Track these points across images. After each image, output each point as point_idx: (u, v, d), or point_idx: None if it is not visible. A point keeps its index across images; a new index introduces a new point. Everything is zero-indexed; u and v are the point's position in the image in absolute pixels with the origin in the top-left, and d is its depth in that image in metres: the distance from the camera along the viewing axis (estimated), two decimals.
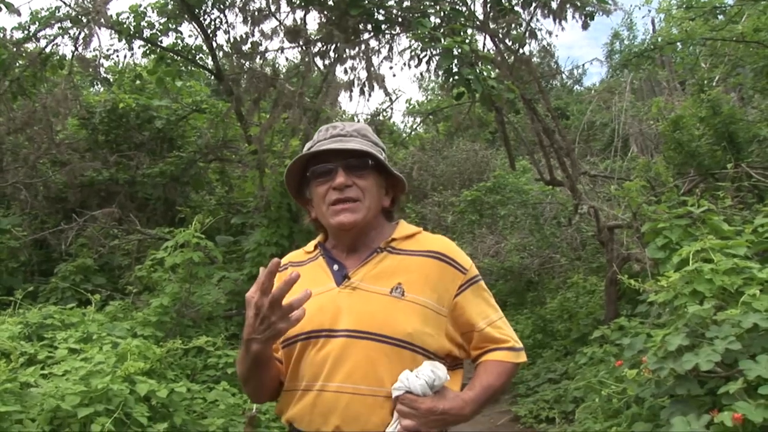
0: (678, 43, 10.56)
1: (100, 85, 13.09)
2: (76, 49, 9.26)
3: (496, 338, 2.00)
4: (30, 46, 9.51)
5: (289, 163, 2.07)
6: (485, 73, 6.86)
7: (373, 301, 1.90)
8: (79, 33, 9.00)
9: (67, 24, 9.11)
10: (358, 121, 10.15)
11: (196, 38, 10.52)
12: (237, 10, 9.44)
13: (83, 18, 8.73)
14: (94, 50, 10.61)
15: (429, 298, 1.91)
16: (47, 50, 9.45)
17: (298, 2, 8.32)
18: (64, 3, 9.24)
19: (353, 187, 1.96)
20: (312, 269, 2.06)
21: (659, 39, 10.73)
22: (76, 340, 5.37)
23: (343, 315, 1.89)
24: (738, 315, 3.62)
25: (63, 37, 9.31)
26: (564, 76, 20.24)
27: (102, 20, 8.60)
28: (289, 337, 1.94)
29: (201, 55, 10.99)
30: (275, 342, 1.85)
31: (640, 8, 27.74)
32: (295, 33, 8.47)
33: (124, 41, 10.05)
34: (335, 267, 2.01)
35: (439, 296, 1.93)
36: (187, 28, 10.40)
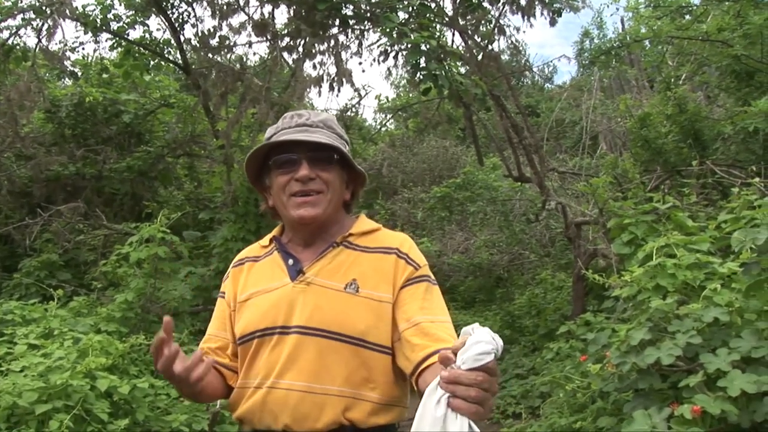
0: (646, 42, 10.66)
1: (68, 79, 12.87)
2: (40, 41, 9.11)
3: (441, 337, 1.76)
4: None
5: (253, 149, 2.02)
6: (453, 69, 6.86)
7: (327, 297, 1.86)
8: (43, 24, 8.84)
9: (31, 15, 8.94)
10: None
11: (163, 32, 10.40)
12: (205, 3, 9.35)
13: (47, 9, 8.58)
14: (59, 43, 10.46)
15: (384, 293, 1.87)
16: (10, 42, 9.27)
17: None
18: None
19: (316, 180, 1.91)
20: (268, 264, 2.02)
21: (627, 37, 10.82)
22: (37, 336, 5.28)
23: (297, 311, 1.86)
24: (699, 309, 3.65)
25: (26, 29, 9.14)
26: (535, 75, 20.32)
27: (67, 12, 8.46)
28: (244, 335, 1.92)
29: (169, 48, 10.87)
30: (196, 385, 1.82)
31: (608, 6, 27.84)
32: (262, 27, 8.40)
33: (90, 34, 9.90)
34: (290, 261, 1.96)
35: (391, 290, 1.88)
36: (154, 22, 10.32)
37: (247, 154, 2.02)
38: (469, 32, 8.17)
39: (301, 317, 1.84)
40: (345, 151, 1.96)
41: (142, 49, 10.39)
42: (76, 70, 12.14)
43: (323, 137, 1.93)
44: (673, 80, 10.39)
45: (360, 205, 13.97)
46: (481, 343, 1.35)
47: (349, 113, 10.99)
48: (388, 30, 6.87)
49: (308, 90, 9.34)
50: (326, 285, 1.88)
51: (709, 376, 3.27)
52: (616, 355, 3.78)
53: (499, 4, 7.86)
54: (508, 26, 8.33)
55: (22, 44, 9.54)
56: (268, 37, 8.64)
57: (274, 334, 1.86)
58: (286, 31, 8.42)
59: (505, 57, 9.56)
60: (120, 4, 9.74)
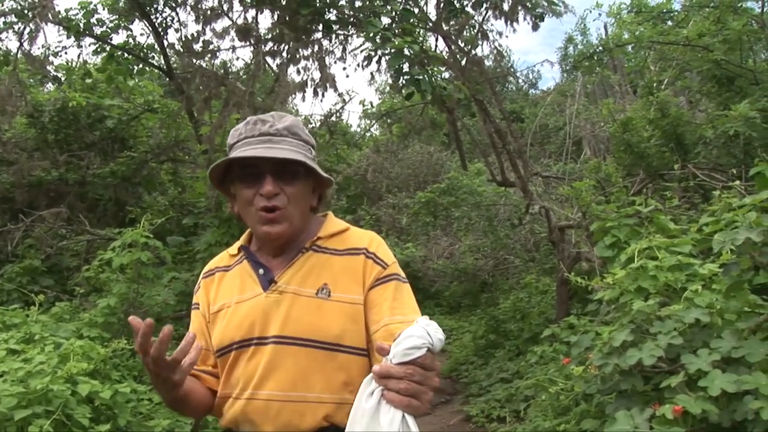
0: (629, 47, 10.74)
1: (50, 84, 12.81)
2: (22, 44, 9.05)
3: None
4: None
5: (216, 162, 1.97)
6: (436, 74, 6.88)
7: (300, 304, 1.85)
8: (25, 28, 8.79)
9: (12, 18, 8.89)
10: (303, 117, 10.10)
11: (147, 36, 10.40)
12: (189, 8, 9.36)
13: (29, 13, 8.54)
14: (41, 47, 10.42)
15: (355, 294, 1.86)
16: None
17: (250, 1, 8.26)
18: None
19: (281, 194, 1.87)
20: (238, 274, 2.00)
21: (610, 42, 10.90)
22: (17, 341, 5.23)
23: (272, 321, 1.84)
24: (681, 311, 3.67)
25: (7, 32, 9.09)
26: (519, 80, 20.44)
27: (49, 15, 8.42)
28: (222, 347, 1.91)
29: (152, 53, 10.84)
30: (182, 386, 1.75)
31: (590, 11, 28.06)
32: (246, 32, 8.41)
33: (73, 38, 9.87)
34: (260, 271, 1.94)
35: (362, 291, 1.87)
36: (138, 26, 10.26)
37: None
38: (453, 37, 8.20)
39: (276, 327, 1.83)
40: (311, 163, 1.91)
41: (125, 53, 10.35)
42: (59, 74, 12.10)
43: (288, 149, 1.88)
44: (655, 85, 10.46)
45: (344, 210, 13.98)
46: (411, 337, 1.39)
47: (333, 118, 10.98)
48: (371, 35, 6.88)
49: (292, 95, 9.34)
50: (298, 292, 1.86)
51: (690, 376, 3.28)
52: (599, 357, 3.79)
53: (482, 9, 7.89)
54: (491, 31, 8.38)
55: (3, 48, 9.50)
56: (252, 42, 8.63)
57: (250, 345, 1.86)
58: (269, 36, 8.41)
59: (488, 62, 9.58)
60: (103, 9, 9.73)
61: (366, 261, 1.91)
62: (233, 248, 2.08)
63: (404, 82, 6.81)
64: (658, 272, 4.13)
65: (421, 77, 6.56)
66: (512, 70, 13.24)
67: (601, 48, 10.60)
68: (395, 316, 1.81)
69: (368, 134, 17.29)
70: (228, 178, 1.99)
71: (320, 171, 1.95)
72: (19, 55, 9.30)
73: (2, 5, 8.90)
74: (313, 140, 2.03)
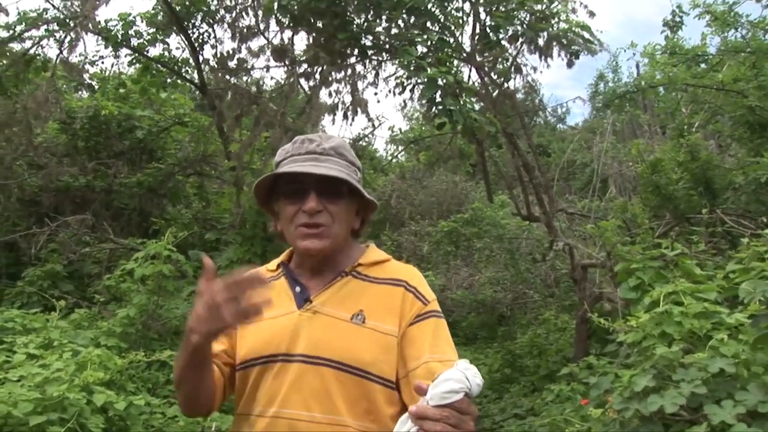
0: (660, 88, 10.71)
1: (84, 91, 12.98)
2: (61, 52, 9.20)
3: None
4: (15, 46, 9.42)
5: (262, 176, 1.98)
6: (468, 105, 6.89)
7: (333, 326, 1.83)
8: (65, 36, 8.94)
9: (54, 27, 9.05)
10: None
11: (183, 51, 10.52)
12: (226, 25, 9.49)
13: (71, 22, 8.68)
14: (79, 55, 10.57)
15: (390, 326, 1.84)
16: (32, 51, 9.37)
17: (286, 22, 8.34)
18: (53, 5, 9.21)
19: (324, 212, 1.86)
20: (275, 289, 1.95)
21: (642, 82, 10.87)
22: (36, 345, 5.25)
23: (301, 339, 1.82)
24: (705, 359, 3.62)
25: (49, 40, 9.25)
26: (547, 114, 20.40)
27: (90, 25, 8.57)
28: (245, 361, 1.88)
29: (187, 67, 10.97)
30: (216, 338, 1.70)
31: (625, 51, 28.10)
32: (282, 52, 8.48)
33: (110, 48, 10.02)
34: (297, 289, 1.92)
35: (398, 323, 1.85)
36: (174, 40, 10.39)
37: (257, 179, 1.98)
38: (486, 69, 8.22)
39: (306, 346, 1.81)
40: (355, 183, 1.91)
41: (160, 66, 10.48)
42: (93, 82, 12.26)
43: (333, 167, 1.88)
44: (686, 127, 10.40)
45: (367, 236, 13.96)
46: (450, 381, 1.40)
47: (361, 143, 11.01)
48: (406, 63, 6.91)
49: (323, 117, 9.40)
50: (333, 314, 1.85)
51: (713, 428, 3.23)
52: (619, 401, 3.73)
53: (518, 44, 7.91)
54: (525, 65, 8.38)
55: (42, 55, 9.65)
56: (287, 63, 8.70)
57: (276, 361, 1.83)
58: (304, 58, 8.48)
59: (519, 95, 9.58)
60: (142, 21, 9.86)
61: (406, 294, 1.88)
62: (272, 264, 2.07)
63: (437, 111, 6.83)
64: (684, 318, 4.07)
65: (454, 108, 6.57)
66: (542, 104, 13.18)
67: (634, 88, 10.56)
68: (435, 354, 1.79)
69: (394, 160, 17.30)
70: (273, 196, 1.99)
71: (364, 192, 1.93)
72: (57, 62, 9.45)
73: (45, 14, 9.06)
74: (359, 162, 2.02)
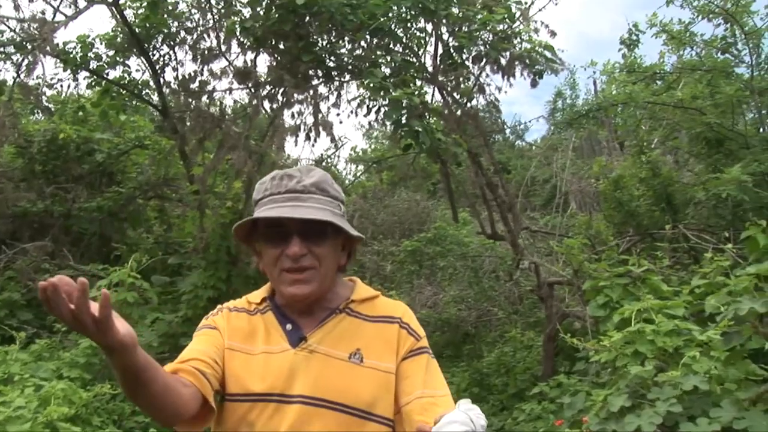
0: (619, 105, 10.88)
1: (40, 114, 12.76)
2: (18, 75, 9.03)
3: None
4: None
5: (241, 221, 1.88)
6: (433, 126, 6.90)
7: (332, 366, 1.78)
8: (23, 60, 8.78)
9: (11, 49, 8.89)
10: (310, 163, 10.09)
11: (143, 73, 10.40)
12: (187, 47, 9.38)
13: (28, 45, 8.53)
14: (37, 78, 10.40)
15: (388, 363, 1.81)
16: None
17: (248, 44, 8.29)
18: (9, 28, 9.05)
19: (308, 255, 1.80)
20: (261, 323, 1.89)
21: (603, 99, 11.04)
22: None
23: (299, 379, 1.76)
24: (679, 377, 3.64)
25: (5, 63, 9.09)
26: (507, 132, 20.60)
27: (48, 48, 8.42)
28: (235, 394, 1.79)
29: (147, 90, 10.84)
30: (115, 345, 1.47)
31: (585, 69, 28.54)
32: (244, 75, 8.43)
33: (69, 71, 9.86)
34: (288, 326, 1.85)
35: (395, 360, 1.82)
36: (135, 62, 10.27)
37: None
38: (449, 89, 8.25)
39: (304, 386, 1.75)
40: (340, 222, 1.84)
41: (120, 88, 10.34)
42: (50, 105, 12.05)
43: (316, 206, 1.81)
44: (645, 144, 10.57)
45: None
46: (455, 423, 1.36)
47: (324, 164, 10.98)
48: (371, 85, 6.91)
49: (285, 139, 9.36)
50: (330, 354, 1.79)
51: None
52: (596, 422, 3.74)
53: (481, 64, 7.95)
54: (488, 85, 8.43)
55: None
56: (250, 85, 8.65)
57: (271, 401, 1.76)
58: (268, 80, 8.43)
59: (482, 114, 9.64)
60: (101, 43, 9.72)
61: (401, 331, 1.86)
62: (254, 296, 1.98)
63: (402, 133, 6.82)
64: (656, 336, 4.10)
65: (419, 129, 6.58)
66: (504, 123, 13.32)
67: (596, 106, 10.72)
68: (427, 390, 1.77)
69: (356, 180, 17.28)
70: (253, 235, 1.91)
71: (350, 229, 1.87)
72: (13, 86, 9.28)
73: (2, 36, 8.91)
74: (343, 195, 1.95)
